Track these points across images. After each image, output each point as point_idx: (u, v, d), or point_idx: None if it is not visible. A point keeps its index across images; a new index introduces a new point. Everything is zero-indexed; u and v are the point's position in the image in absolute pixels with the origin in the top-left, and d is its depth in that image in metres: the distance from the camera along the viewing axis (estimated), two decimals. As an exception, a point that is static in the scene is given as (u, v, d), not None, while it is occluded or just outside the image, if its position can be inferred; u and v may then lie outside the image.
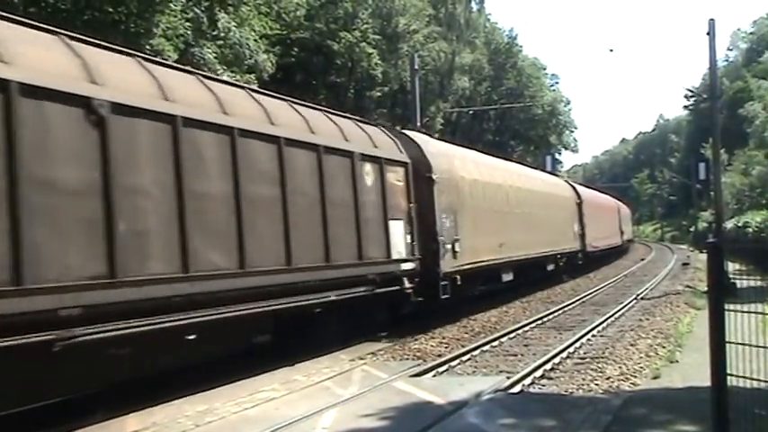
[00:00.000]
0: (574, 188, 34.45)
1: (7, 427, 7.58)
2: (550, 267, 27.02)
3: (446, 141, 23.29)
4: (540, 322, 16.95)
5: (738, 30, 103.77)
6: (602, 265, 39.28)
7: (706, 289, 5.90)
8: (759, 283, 7.08)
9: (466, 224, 17.77)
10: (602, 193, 53.63)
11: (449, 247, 16.60)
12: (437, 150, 17.92)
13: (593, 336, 14.58)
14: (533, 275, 25.35)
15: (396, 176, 14.98)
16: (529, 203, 23.86)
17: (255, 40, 25.69)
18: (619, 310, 18.22)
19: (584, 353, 12.83)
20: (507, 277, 21.29)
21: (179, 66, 11.68)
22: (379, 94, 41.03)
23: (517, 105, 58.48)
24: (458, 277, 16.88)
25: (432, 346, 13.77)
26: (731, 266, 11.99)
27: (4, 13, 7.91)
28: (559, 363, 11.86)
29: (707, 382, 5.32)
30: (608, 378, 10.43)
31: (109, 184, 7.99)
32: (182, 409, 8.61)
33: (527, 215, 23.29)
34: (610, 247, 42.29)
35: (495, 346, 13.75)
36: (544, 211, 25.78)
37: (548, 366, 11.42)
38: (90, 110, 7.89)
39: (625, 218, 56.24)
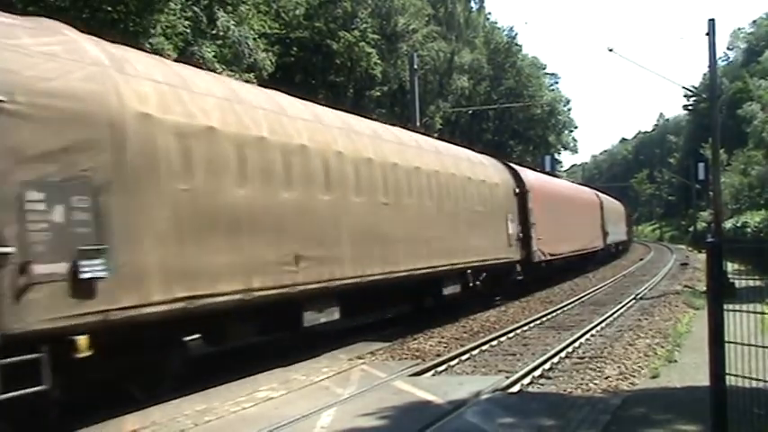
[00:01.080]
0: (513, 171, 23.73)
1: (7, 423, 7.57)
2: (451, 290, 17.00)
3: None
4: (538, 322, 16.95)
5: (738, 29, 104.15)
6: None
7: (705, 289, 5.91)
8: (758, 283, 7.08)
9: (154, 218, 8.58)
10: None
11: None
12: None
13: (592, 335, 14.59)
14: (405, 307, 17.47)
15: None
16: (395, 188, 14.52)
17: (255, 39, 25.68)
18: (617, 310, 18.22)
19: (583, 352, 12.84)
20: (321, 317, 12.00)
21: None
22: (378, 93, 41.05)
23: (516, 105, 58.53)
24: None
25: (431, 345, 13.77)
26: (730, 266, 12.01)
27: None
28: (558, 362, 11.87)
29: (705, 382, 5.33)
30: (607, 378, 10.43)
31: None
32: (180, 409, 8.61)
33: (386, 208, 14.01)
34: (580, 254, 31.92)
35: (494, 346, 13.75)
36: (434, 203, 16.28)
37: (546, 366, 11.42)
38: None
39: (613, 216, 46.23)
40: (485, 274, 19.47)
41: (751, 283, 7.45)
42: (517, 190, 22.79)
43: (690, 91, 66.16)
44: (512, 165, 24.96)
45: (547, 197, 26.07)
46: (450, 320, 16.78)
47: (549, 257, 24.77)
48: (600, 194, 43.75)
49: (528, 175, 25.60)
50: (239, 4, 24.78)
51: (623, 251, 53.55)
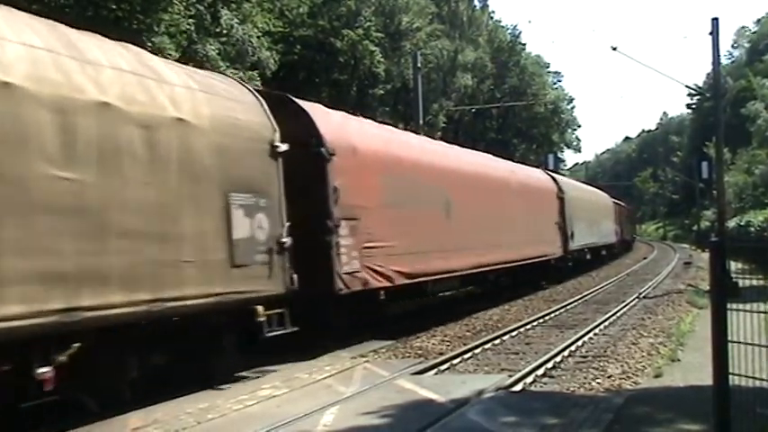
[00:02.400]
0: (285, 109, 12.06)
1: (10, 422, 7.59)
2: None
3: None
4: (541, 320, 16.94)
5: (743, 28, 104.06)
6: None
7: (708, 288, 5.90)
8: (761, 282, 7.07)
9: None
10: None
11: None
12: None
13: (595, 334, 14.57)
14: None
15: None
16: None
17: (258, 37, 25.70)
18: (620, 309, 18.19)
19: (586, 351, 12.83)
20: None
21: None
22: (381, 92, 41.02)
23: (520, 104, 58.46)
24: None
25: (433, 344, 13.77)
26: (733, 265, 11.95)
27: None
28: (561, 361, 11.86)
29: (709, 381, 5.32)
30: (610, 377, 10.43)
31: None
32: (183, 407, 8.62)
33: None
34: (501, 269, 20.52)
35: (497, 345, 13.74)
36: None
37: (549, 365, 11.41)
38: None
39: (589, 211, 34.19)
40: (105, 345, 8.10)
41: (754, 282, 7.44)
42: (281, 147, 11.03)
43: (693, 90, 66.03)
44: (293, 99, 12.95)
45: (398, 170, 14.66)
46: (453, 319, 16.78)
47: (400, 282, 14.08)
48: (562, 180, 31.66)
49: (338, 121, 13.86)
50: (243, 2, 24.81)
51: (613, 258, 43.21)
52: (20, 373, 7.12)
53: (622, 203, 56.56)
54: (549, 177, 29.16)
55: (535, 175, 28.00)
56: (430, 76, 46.19)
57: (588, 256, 33.62)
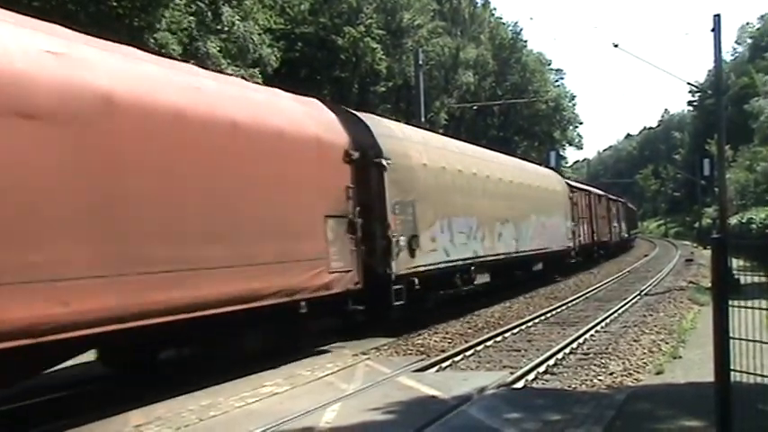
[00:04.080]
0: None
1: (12, 420, 7.61)
2: None
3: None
4: (543, 318, 16.95)
5: (746, 24, 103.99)
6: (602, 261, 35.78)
7: (709, 285, 5.90)
8: (763, 279, 7.07)
9: None
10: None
11: None
12: None
13: (597, 331, 14.58)
14: None
15: None
16: None
17: (260, 35, 25.71)
18: (622, 306, 18.20)
19: (588, 348, 12.84)
20: None
21: None
22: (383, 89, 40.99)
23: (521, 101, 58.37)
24: None
25: (435, 341, 13.77)
26: (735, 262, 11.96)
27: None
28: (563, 358, 11.87)
29: (710, 378, 5.32)
30: (611, 373, 10.44)
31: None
32: (185, 404, 8.62)
33: None
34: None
35: (499, 342, 13.76)
36: None
37: (551, 362, 11.43)
38: None
39: (469, 192, 18.08)
40: None
41: (756, 279, 7.44)
42: None
43: (695, 87, 65.94)
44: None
45: None
46: (455, 316, 16.79)
47: None
48: (392, 130, 15.78)
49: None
50: (244, -1, 24.82)
51: (571, 272, 29.30)
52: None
53: (599, 191, 42.82)
54: (338, 127, 12.88)
55: (273, 111, 11.24)
56: (431, 73, 46.15)
57: (486, 278, 21.05)
